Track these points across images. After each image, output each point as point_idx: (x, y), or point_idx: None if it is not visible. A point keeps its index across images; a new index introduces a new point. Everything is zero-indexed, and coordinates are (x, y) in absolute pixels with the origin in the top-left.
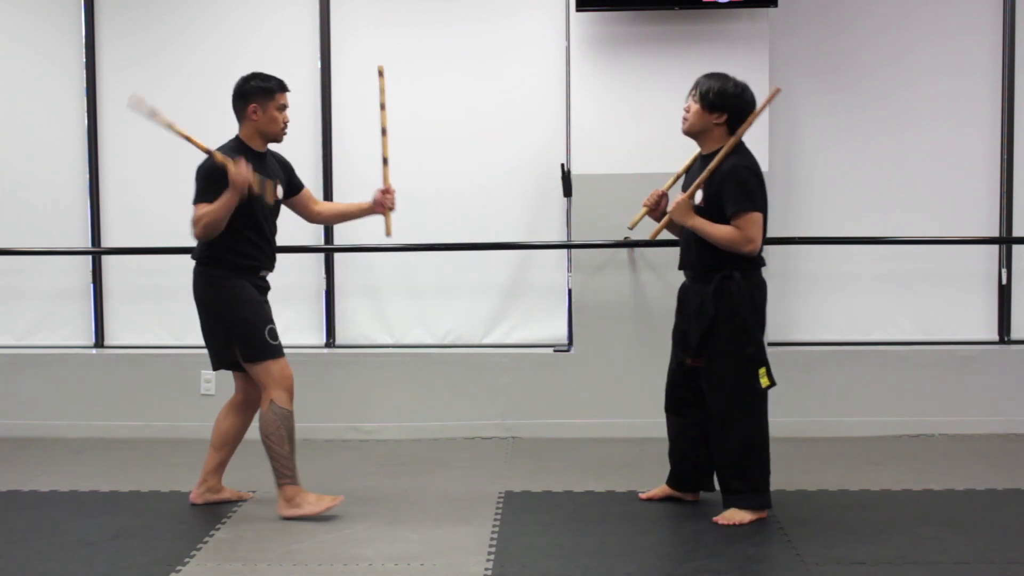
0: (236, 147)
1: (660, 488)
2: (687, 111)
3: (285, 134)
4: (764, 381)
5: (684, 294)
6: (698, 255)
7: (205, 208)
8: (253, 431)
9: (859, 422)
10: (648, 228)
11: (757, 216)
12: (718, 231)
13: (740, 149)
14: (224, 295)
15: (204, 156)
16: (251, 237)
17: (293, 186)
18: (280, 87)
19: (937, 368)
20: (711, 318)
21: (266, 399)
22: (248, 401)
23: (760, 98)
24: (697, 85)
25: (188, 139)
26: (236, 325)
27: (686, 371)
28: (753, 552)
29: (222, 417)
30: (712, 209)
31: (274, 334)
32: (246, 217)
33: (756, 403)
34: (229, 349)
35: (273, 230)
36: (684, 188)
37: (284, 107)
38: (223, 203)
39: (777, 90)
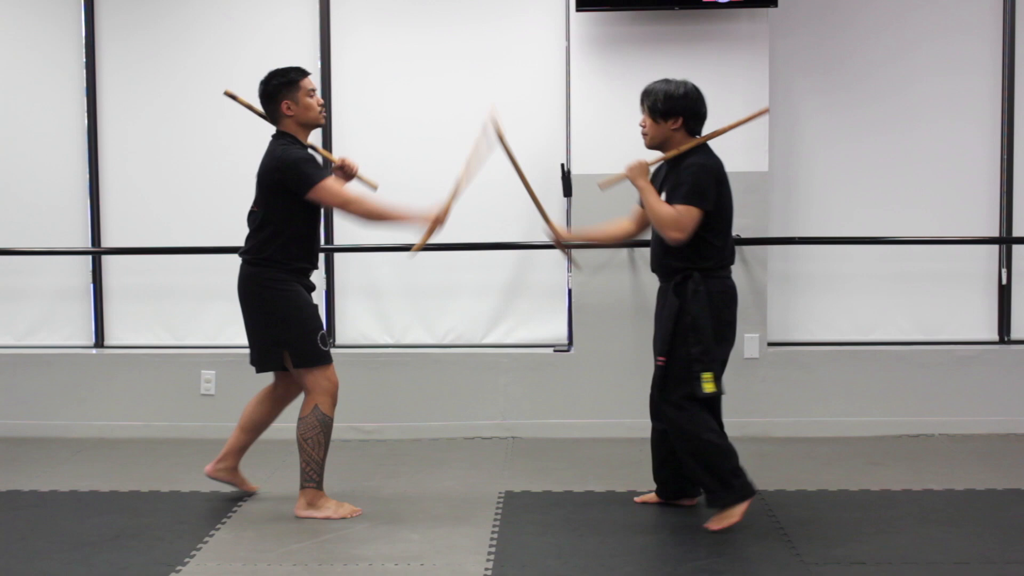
0: (296, 144)
1: (651, 495)
2: (644, 126)
3: (324, 116)
4: (708, 387)
5: (659, 296)
6: (662, 255)
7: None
8: (271, 431)
9: (859, 422)
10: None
11: (697, 213)
12: (659, 206)
13: (703, 149)
14: (279, 299)
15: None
16: (309, 236)
17: None
18: (300, 74)
19: (937, 368)
20: (671, 316)
21: (310, 403)
22: (286, 396)
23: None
24: (644, 99)
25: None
26: (289, 331)
27: None
28: (753, 552)
29: (256, 402)
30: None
31: (324, 340)
32: (309, 216)
33: (695, 404)
34: (277, 351)
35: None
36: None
37: (312, 91)
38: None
39: (765, 110)
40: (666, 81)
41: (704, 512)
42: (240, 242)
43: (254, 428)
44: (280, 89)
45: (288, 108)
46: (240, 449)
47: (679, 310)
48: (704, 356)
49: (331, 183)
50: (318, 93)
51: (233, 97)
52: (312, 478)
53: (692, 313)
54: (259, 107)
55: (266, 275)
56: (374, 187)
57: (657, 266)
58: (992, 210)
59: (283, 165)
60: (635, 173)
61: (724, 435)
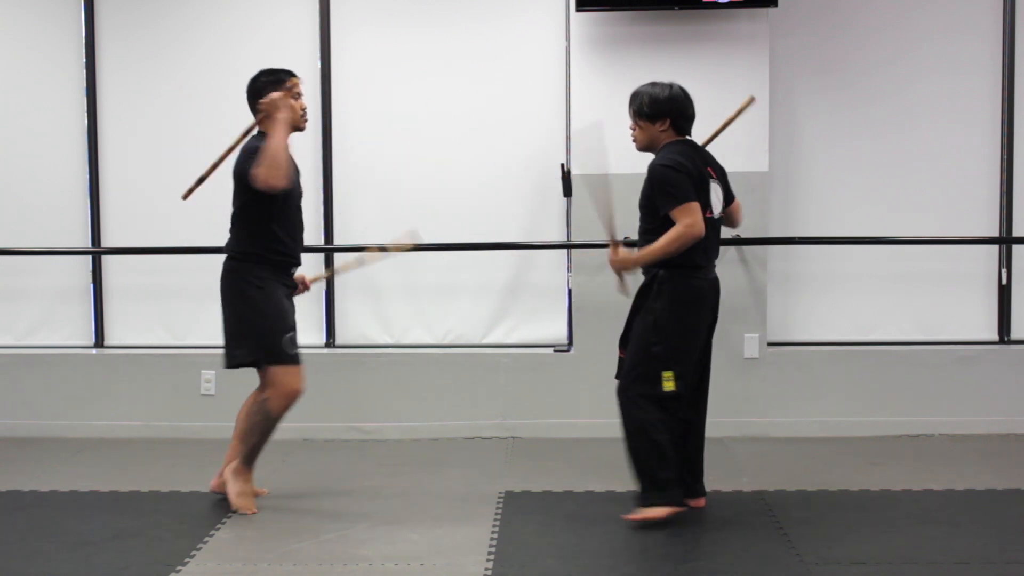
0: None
1: None
2: (633, 130)
3: (306, 120)
4: (668, 385)
5: None
6: None
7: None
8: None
9: (859, 422)
10: None
11: (689, 205)
12: (661, 244)
13: (668, 147)
14: (251, 297)
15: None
16: (284, 229)
17: None
18: (289, 75)
19: (937, 368)
20: (635, 312)
21: (263, 395)
22: None
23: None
24: (631, 103)
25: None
26: (258, 327)
27: None
28: (753, 552)
29: (247, 411)
30: (647, 210)
31: (293, 342)
32: (280, 207)
33: (651, 402)
34: (248, 347)
35: (302, 222)
36: None
37: (298, 94)
38: (281, 137)
39: (751, 98)
40: (652, 84)
41: (704, 511)
42: None
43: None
44: (267, 86)
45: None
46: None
47: (643, 308)
48: (665, 355)
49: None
50: (304, 98)
51: (191, 192)
52: (244, 453)
53: (655, 312)
54: (208, 175)
55: (242, 268)
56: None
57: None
58: (992, 210)
59: (247, 152)
60: (622, 264)
61: (675, 440)
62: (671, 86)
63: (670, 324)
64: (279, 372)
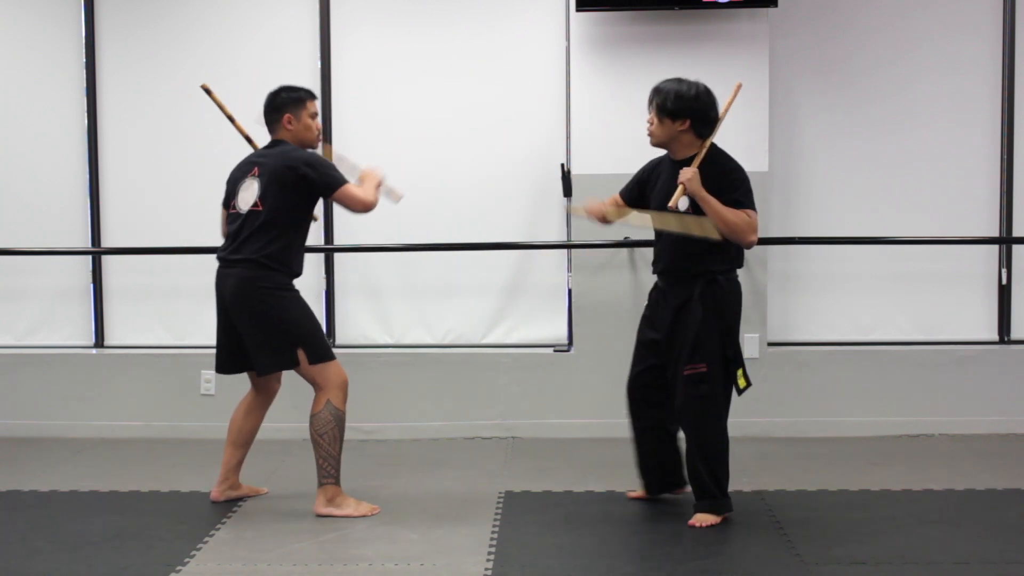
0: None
1: (642, 491)
2: (650, 123)
3: (320, 141)
4: (741, 382)
5: (661, 298)
6: (679, 258)
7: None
8: (268, 432)
9: (859, 422)
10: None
11: (757, 217)
12: (730, 211)
13: (722, 151)
14: (287, 303)
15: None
16: (304, 241)
17: None
18: (309, 95)
19: (937, 368)
20: (699, 321)
21: (321, 399)
22: (264, 398)
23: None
24: (653, 96)
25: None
26: (302, 329)
27: (652, 375)
28: (753, 552)
29: (243, 415)
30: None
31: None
32: (308, 221)
33: (726, 407)
34: (292, 351)
35: None
36: (658, 194)
37: (315, 115)
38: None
39: (739, 86)
40: (678, 80)
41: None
42: None
43: (249, 441)
44: (287, 103)
45: (289, 122)
46: (238, 464)
47: (714, 316)
48: (737, 356)
49: (354, 187)
50: (319, 118)
51: (208, 92)
52: (330, 474)
53: (727, 319)
54: (229, 108)
55: (271, 279)
56: (399, 197)
57: (671, 268)
58: (992, 210)
59: (312, 162)
60: (696, 184)
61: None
62: (697, 86)
63: (736, 325)
64: (329, 368)
